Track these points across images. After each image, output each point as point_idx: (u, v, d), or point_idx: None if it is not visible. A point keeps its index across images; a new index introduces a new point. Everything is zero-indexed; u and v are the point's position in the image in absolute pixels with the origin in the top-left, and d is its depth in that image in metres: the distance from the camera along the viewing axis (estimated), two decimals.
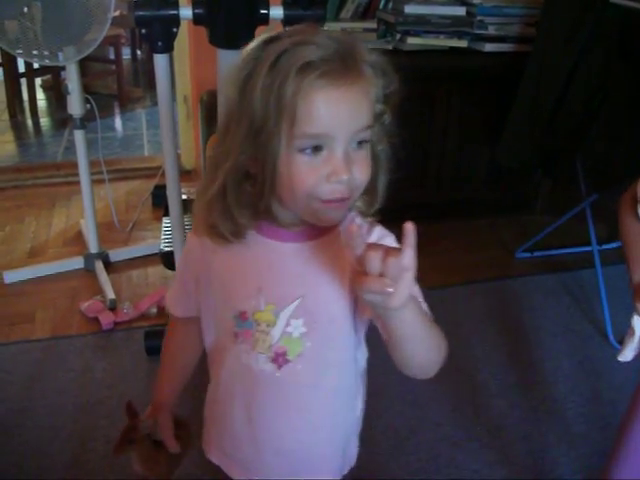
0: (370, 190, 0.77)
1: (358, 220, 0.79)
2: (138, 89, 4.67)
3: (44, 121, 4.12)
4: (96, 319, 2.08)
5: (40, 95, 4.34)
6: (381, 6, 2.64)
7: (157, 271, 2.35)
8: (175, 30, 1.53)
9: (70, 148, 3.39)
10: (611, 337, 2.09)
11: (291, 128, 0.67)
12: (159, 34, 1.53)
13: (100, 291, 2.23)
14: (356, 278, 0.62)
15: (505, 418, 1.78)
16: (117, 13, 3.73)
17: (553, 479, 1.61)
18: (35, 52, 1.89)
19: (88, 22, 1.79)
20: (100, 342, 2.01)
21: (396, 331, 0.69)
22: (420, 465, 1.61)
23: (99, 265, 2.35)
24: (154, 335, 1.91)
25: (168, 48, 1.57)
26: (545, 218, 2.67)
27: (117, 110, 4.28)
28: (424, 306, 0.77)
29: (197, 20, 1.51)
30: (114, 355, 1.95)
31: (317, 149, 0.69)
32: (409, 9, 2.50)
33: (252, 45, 0.71)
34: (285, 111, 0.67)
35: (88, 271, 2.37)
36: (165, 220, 2.26)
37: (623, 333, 1.14)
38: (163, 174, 1.79)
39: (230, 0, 1.48)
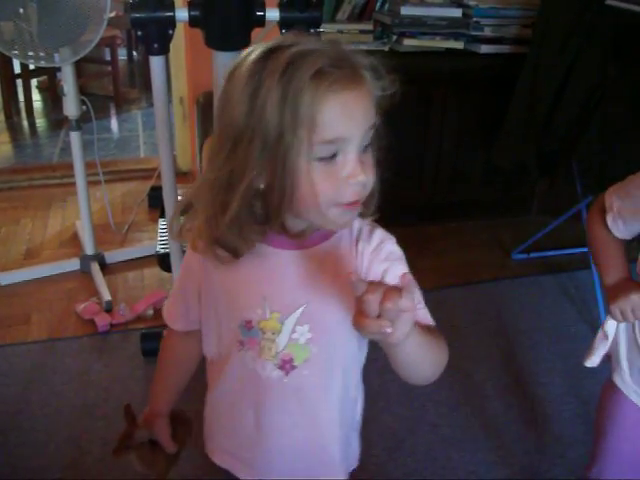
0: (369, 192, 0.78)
1: (358, 222, 0.79)
2: (134, 90, 4.68)
3: (40, 122, 4.11)
4: (92, 321, 2.07)
5: (36, 96, 4.33)
6: (377, 8, 2.64)
7: (153, 273, 2.34)
8: (171, 32, 1.52)
9: (66, 149, 3.39)
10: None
11: (310, 137, 0.67)
12: (155, 36, 1.52)
13: (96, 293, 2.23)
14: (356, 318, 0.63)
15: (501, 419, 1.78)
16: (113, 14, 3.69)
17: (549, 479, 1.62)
18: (31, 53, 1.89)
19: (84, 23, 1.78)
20: (96, 344, 2.00)
21: (398, 358, 0.71)
22: (416, 466, 1.62)
23: (95, 267, 2.35)
24: (150, 337, 1.91)
25: (164, 50, 1.56)
26: (541, 219, 2.68)
27: (113, 111, 4.28)
28: (424, 312, 0.78)
29: (193, 22, 1.50)
30: (110, 357, 1.95)
31: (333, 156, 0.69)
32: (405, 10, 2.50)
33: (251, 59, 0.69)
34: (303, 121, 0.66)
35: (84, 273, 2.37)
36: (161, 221, 2.26)
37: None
38: (159, 175, 1.79)
39: (226, 2, 1.47)
